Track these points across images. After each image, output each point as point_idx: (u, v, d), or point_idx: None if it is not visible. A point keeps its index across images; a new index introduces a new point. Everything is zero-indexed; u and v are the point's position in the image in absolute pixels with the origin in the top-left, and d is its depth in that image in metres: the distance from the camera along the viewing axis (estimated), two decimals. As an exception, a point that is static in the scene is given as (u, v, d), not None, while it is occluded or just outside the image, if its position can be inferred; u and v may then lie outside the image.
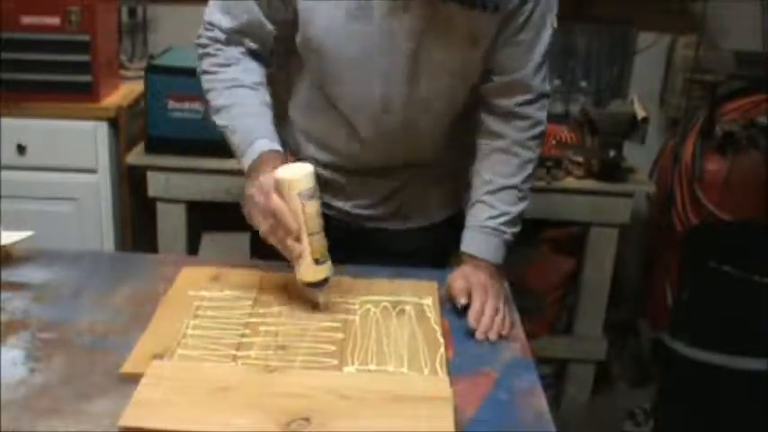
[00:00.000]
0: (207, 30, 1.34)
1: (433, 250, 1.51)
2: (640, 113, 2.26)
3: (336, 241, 1.24)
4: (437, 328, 1.18)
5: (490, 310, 1.22)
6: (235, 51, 1.33)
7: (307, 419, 0.92)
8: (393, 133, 1.36)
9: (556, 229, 2.42)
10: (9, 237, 1.33)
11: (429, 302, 1.25)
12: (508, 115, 1.37)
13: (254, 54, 1.35)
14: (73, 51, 2.21)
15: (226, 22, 1.31)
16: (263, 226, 1.19)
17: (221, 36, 1.32)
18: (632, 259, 2.80)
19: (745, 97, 2.56)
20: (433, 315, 1.21)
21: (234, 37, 1.32)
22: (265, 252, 1.42)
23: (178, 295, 1.24)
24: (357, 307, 1.22)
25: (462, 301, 1.24)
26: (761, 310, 2.12)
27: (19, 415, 0.95)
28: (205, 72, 1.35)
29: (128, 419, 0.92)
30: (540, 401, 1.05)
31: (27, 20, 2.19)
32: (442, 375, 1.06)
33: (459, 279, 1.28)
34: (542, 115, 1.39)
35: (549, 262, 2.46)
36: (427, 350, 1.12)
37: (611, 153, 2.24)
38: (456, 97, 1.37)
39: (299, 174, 1.17)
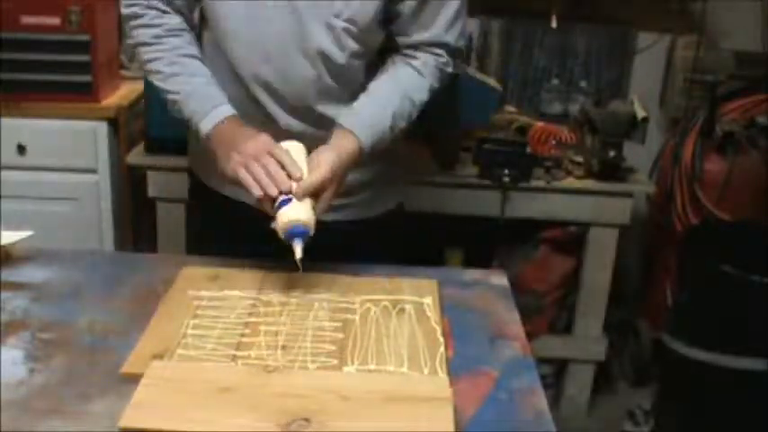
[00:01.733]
0: None
1: (371, 248, 1.46)
2: (640, 113, 2.26)
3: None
4: (437, 327, 1.18)
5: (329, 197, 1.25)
6: (175, 21, 1.37)
7: (307, 419, 0.92)
8: (299, 86, 1.36)
9: (556, 229, 2.42)
10: (9, 237, 1.33)
11: (429, 302, 1.25)
12: (416, 48, 1.40)
13: (186, 21, 1.39)
14: (73, 51, 2.21)
15: None
16: (252, 168, 1.22)
17: (156, 2, 1.35)
18: (632, 259, 2.80)
19: (745, 97, 2.56)
20: (432, 314, 1.21)
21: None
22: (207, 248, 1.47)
23: (178, 295, 1.24)
24: (357, 306, 1.22)
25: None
26: (761, 310, 2.12)
27: (19, 415, 0.95)
28: (145, 44, 1.37)
29: (128, 420, 0.92)
30: (540, 401, 1.04)
31: (27, 20, 2.19)
32: (442, 375, 1.06)
33: (332, 168, 1.26)
34: (451, 62, 1.42)
35: (549, 262, 2.46)
36: (427, 350, 1.12)
37: (611, 153, 2.24)
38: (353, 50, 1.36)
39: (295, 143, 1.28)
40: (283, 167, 1.22)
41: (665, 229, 2.61)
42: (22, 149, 2.25)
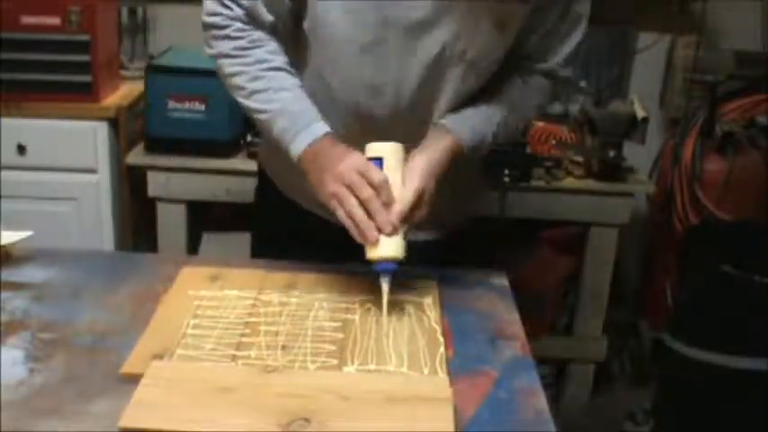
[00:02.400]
0: (223, 7, 1.25)
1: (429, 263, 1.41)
2: (640, 113, 2.26)
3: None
4: (437, 327, 1.18)
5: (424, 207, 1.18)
6: (260, 33, 1.26)
7: (307, 419, 0.92)
8: (404, 122, 1.29)
9: (556, 229, 2.42)
10: (9, 237, 1.33)
11: (429, 302, 1.25)
12: (533, 73, 1.37)
13: (273, 34, 1.28)
14: (73, 51, 2.22)
15: None
16: (353, 206, 1.15)
17: (241, 13, 1.25)
18: (632, 259, 2.80)
19: (745, 97, 2.56)
20: (433, 314, 1.21)
21: (253, 13, 1.25)
22: (267, 253, 1.42)
23: (178, 295, 1.24)
24: (357, 306, 1.22)
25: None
26: (761, 310, 2.12)
27: (19, 415, 0.95)
28: (227, 56, 1.27)
29: (128, 420, 0.92)
30: (540, 401, 1.04)
31: (27, 20, 2.19)
32: (442, 375, 1.06)
33: (421, 177, 1.19)
34: (556, 87, 1.41)
35: (549, 262, 2.46)
36: (427, 350, 1.12)
37: (611, 153, 2.24)
38: (471, 85, 1.31)
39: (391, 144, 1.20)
40: (378, 193, 1.15)
41: (665, 229, 2.61)
42: (22, 149, 2.25)
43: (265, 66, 1.25)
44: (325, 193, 1.18)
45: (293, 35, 1.31)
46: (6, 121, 2.22)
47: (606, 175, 2.27)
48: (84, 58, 2.22)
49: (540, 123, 2.42)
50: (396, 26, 1.22)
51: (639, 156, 2.49)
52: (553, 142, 2.36)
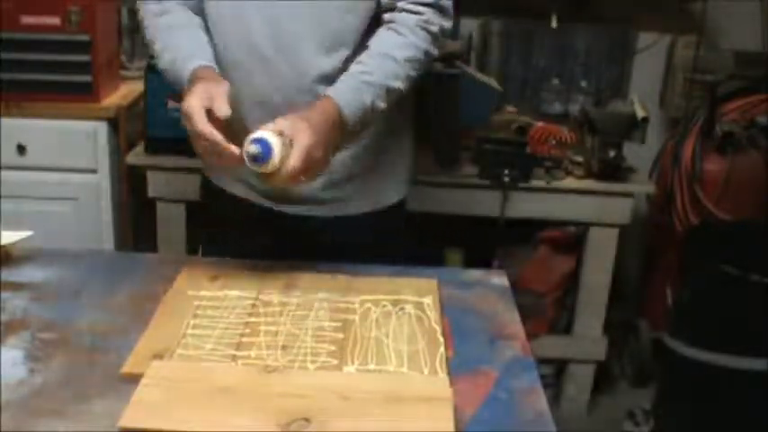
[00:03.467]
0: None
1: (372, 244, 1.46)
2: (640, 113, 2.26)
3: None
4: (437, 327, 1.18)
5: (301, 165, 1.18)
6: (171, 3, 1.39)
7: (307, 420, 0.92)
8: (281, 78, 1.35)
9: (556, 229, 2.42)
10: (9, 237, 1.33)
11: (429, 301, 1.25)
12: (399, 11, 1.36)
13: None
14: (73, 51, 2.21)
15: None
16: (198, 149, 1.23)
17: None
18: (632, 259, 2.80)
19: (745, 97, 2.57)
20: (433, 314, 1.21)
21: None
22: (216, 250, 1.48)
23: (178, 295, 1.24)
24: (357, 306, 1.22)
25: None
26: (761, 310, 2.12)
27: (19, 415, 0.95)
28: (150, 39, 1.41)
29: (128, 420, 0.92)
30: (540, 401, 1.04)
31: (27, 20, 2.19)
32: (442, 375, 1.06)
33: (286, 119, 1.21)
34: (437, 19, 1.36)
35: (549, 262, 2.46)
36: (427, 350, 1.12)
37: (611, 153, 2.25)
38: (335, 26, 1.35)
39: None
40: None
41: (665, 229, 2.61)
42: (22, 149, 2.25)
43: (167, 27, 1.39)
44: None
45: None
46: (6, 121, 2.22)
47: (606, 175, 2.27)
48: (84, 58, 2.22)
49: (540, 123, 2.42)
50: None
51: (639, 156, 2.49)
52: (553, 142, 2.36)
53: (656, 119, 2.70)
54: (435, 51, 1.39)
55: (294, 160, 1.17)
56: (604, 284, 2.40)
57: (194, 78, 1.28)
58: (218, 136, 1.18)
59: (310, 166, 1.20)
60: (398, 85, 1.33)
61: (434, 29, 1.37)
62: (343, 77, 1.32)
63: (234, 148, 1.18)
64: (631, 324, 2.74)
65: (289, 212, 1.47)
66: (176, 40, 1.38)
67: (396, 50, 1.33)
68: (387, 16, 1.37)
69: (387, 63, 1.33)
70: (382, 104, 1.33)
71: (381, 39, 1.36)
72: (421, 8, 1.35)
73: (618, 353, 2.76)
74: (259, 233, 1.48)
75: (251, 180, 1.44)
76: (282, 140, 1.17)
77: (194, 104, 1.20)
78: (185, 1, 1.41)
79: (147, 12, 1.42)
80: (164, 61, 1.38)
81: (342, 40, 1.36)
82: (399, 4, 1.36)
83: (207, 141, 1.19)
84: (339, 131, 1.27)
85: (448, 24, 1.40)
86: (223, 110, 1.19)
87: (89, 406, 0.97)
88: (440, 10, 1.37)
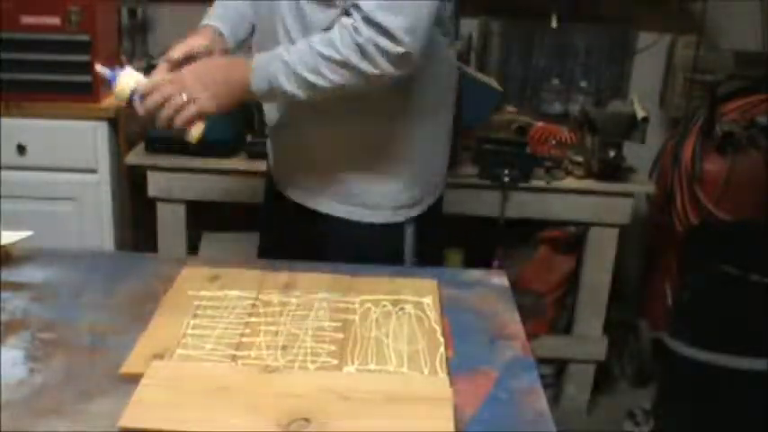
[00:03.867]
0: None
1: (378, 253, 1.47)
2: (640, 113, 2.26)
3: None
4: (437, 327, 1.18)
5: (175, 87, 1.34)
6: None
7: (307, 420, 0.92)
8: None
9: (556, 229, 2.42)
10: (9, 237, 1.33)
11: (429, 301, 1.25)
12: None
13: None
14: (73, 51, 2.21)
15: None
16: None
17: None
18: (632, 259, 2.80)
19: (745, 97, 2.56)
20: (433, 314, 1.21)
21: None
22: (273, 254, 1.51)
23: (178, 295, 1.24)
24: (357, 306, 1.22)
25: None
26: (761, 310, 2.11)
27: (19, 415, 0.95)
28: None
29: (128, 420, 0.92)
30: (540, 401, 1.04)
31: (27, 20, 2.19)
32: (442, 375, 1.06)
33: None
34: (368, 32, 1.28)
35: (549, 262, 2.46)
36: (427, 350, 1.12)
37: (611, 153, 2.24)
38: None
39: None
40: None
41: (665, 229, 2.61)
42: (22, 149, 2.25)
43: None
44: None
45: None
46: (6, 121, 2.22)
47: (606, 175, 2.27)
48: (84, 58, 2.22)
49: (540, 123, 2.42)
50: None
51: (639, 156, 2.49)
52: (553, 142, 2.36)
53: (656, 119, 2.70)
54: (364, 66, 1.29)
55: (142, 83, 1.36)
56: (604, 284, 2.40)
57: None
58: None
59: (160, 92, 1.34)
60: (309, 76, 1.31)
61: (362, 40, 1.28)
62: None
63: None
64: (631, 324, 2.74)
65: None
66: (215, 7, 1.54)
67: (317, 42, 1.32)
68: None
69: (304, 51, 1.32)
70: (289, 87, 1.33)
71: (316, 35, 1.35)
72: (352, 11, 1.31)
73: (618, 353, 2.76)
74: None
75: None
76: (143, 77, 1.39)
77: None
78: None
79: None
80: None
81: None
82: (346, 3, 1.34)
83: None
84: (237, 87, 1.36)
85: (392, 48, 1.28)
86: (173, 55, 1.39)
87: (89, 406, 0.97)
88: (372, 24, 1.28)
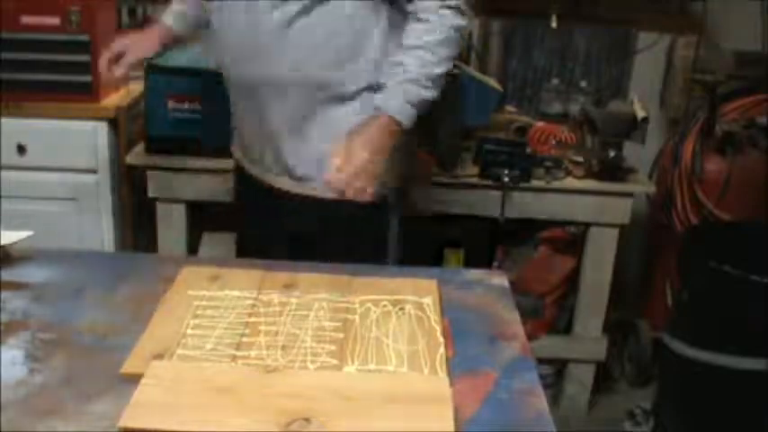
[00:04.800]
0: None
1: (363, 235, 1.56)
2: (640, 113, 2.26)
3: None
4: (437, 327, 1.18)
5: (350, 167, 1.37)
6: None
7: (307, 419, 0.92)
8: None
9: (556, 229, 2.42)
10: (9, 237, 1.33)
11: (429, 301, 1.25)
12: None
13: None
14: (73, 51, 2.21)
15: None
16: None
17: None
18: (632, 259, 2.80)
19: (745, 97, 2.56)
20: (432, 314, 1.21)
21: None
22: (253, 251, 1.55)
23: (178, 295, 1.24)
24: (357, 306, 1.22)
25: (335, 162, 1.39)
26: (761, 310, 2.11)
27: (19, 415, 0.95)
28: None
29: (128, 420, 0.92)
30: (540, 401, 1.04)
31: (27, 20, 2.19)
32: (442, 375, 1.06)
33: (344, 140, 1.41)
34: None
35: (549, 262, 2.46)
36: (427, 350, 1.12)
37: (611, 153, 2.24)
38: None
39: None
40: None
41: (665, 229, 2.61)
42: (22, 149, 2.25)
43: None
44: None
45: None
46: (6, 121, 2.21)
47: (606, 175, 2.27)
48: (84, 58, 2.22)
49: (540, 123, 2.42)
50: None
51: (639, 156, 2.49)
52: (553, 142, 2.36)
53: (656, 119, 2.70)
54: (464, 21, 1.45)
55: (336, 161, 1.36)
56: (604, 284, 2.39)
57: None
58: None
59: (355, 164, 1.38)
60: (437, 70, 1.42)
61: (454, 2, 1.43)
62: (385, 83, 1.43)
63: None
64: (631, 324, 2.74)
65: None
66: None
67: (425, 36, 1.41)
68: (410, 8, 1.44)
69: (420, 54, 1.41)
70: (429, 94, 1.43)
71: (409, 31, 1.44)
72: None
73: (618, 353, 2.76)
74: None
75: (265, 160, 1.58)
76: None
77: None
78: None
79: None
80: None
81: (355, 52, 1.44)
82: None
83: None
84: (392, 135, 1.43)
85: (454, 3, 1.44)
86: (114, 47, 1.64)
87: (89, 406, 0.97)
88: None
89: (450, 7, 1.43)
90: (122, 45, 1.67)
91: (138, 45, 1.67)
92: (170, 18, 1.70)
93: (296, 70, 1.43)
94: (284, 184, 1.57)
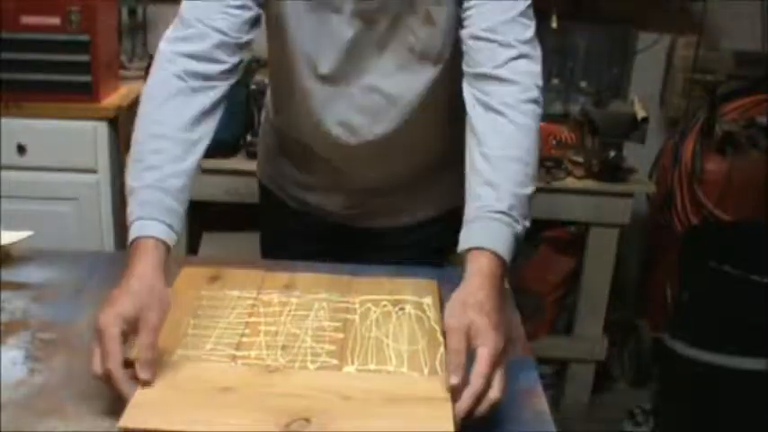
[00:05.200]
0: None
1: (430, 244, 1.51)
2: (640, 113, 2.26)
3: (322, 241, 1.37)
4: (437, 327, 1.18)
5: (478, 380, 0.93)
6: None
7: (307, 420, 0.92)
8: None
9: (556, 229, 2.42)
10: (9, 237, 1.33)
11: (429, 301, 1.25)
12: (488, 80, 1.15)
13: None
14: (73, 51, 2.21)
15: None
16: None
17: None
18: (632, 259, 2.80)
19: (745, 97, 2.57)
20: (433, 314, 1.21)
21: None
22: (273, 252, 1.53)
23: (178, 295, 1.24)
24: (357, 306, 1.22)
25: (453, 380, 0.94)
26: (761, 310, 2.11)
27: (19, 415, 0.95)
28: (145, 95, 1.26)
29: (128, 420, 0.92)
30: (540, 401, 1.04)
31: (27, 20, 2.19)
32: (442, 375, 1.06)
33: (453, 317, 0.99)
34: (531, 73, 1.16)
35: (549, 262, 2.46)
36: (427, 350, 1.11)
37: (611, 153, 2.25)
38: (428, 82, 1.29)
39: None
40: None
41: (665, 229, 2.61)
42: (22, 149, 2.25)
43: (156, 130, 1.23)
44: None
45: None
46: (6, 121, 2.22)
47: (606, 175, 2.27)
48: (84, 58, 2.22)
49: (540, 123, 2.41)
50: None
51: (639, 156, 2.49)
52: (553, 142, 2.36)
53: (656, 119, 2.70)
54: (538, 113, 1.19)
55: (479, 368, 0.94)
56: (604, 284, 2.40)
57: (134, 260, 1.10)
58: (120, 375, 0.94)
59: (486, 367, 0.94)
60: (533, 186, 1.13)
61: (533, 93, 1.16)
62: (476, 222, 1.11)
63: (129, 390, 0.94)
64: (631, 324, 2.74)
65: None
66: (158, 161, 1.18)
67: (514, 149, 1.11)
68: (477, 85, 1.17)
69: (510, 171, 1.10)
70: (527, 222, 1.17)
71: (486, 137, 1.13)
72: (508, 70, 1.14)
73: (618, 353, 2.76)
74: (317, 239, 1.54)
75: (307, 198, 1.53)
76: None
77: (110, 324, 0.96)
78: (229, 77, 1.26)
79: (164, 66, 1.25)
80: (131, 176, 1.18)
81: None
82: (485, 70, 1.15)
83: (108, 371, 0.93)
84: (502, 277, 1.09)
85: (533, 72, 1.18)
86: (144, 373, 0.95)
87: (89, 406, 0.97)
88: (523, 56, 1.15)
89: (529, 101, 1.15)
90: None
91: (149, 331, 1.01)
92: (163, 233, 1.20)
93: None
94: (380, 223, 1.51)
